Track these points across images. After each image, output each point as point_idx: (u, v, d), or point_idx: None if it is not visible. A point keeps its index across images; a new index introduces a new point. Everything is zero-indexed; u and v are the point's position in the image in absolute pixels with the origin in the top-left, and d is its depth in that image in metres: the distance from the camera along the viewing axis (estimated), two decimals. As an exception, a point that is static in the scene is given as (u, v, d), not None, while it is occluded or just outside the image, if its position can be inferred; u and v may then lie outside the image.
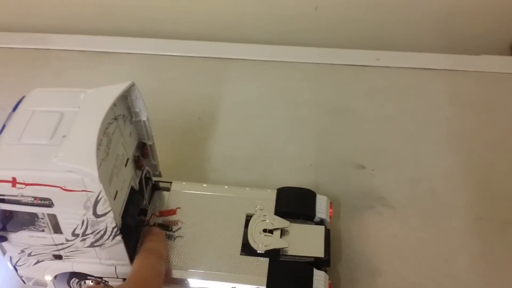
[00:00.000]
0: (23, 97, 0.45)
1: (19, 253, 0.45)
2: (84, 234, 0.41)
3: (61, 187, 0.38)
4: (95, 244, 0.42)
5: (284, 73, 0.73)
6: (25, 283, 0.49)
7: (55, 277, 0.47)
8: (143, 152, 0.49)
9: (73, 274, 0.47)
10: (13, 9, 0.79)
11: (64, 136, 0.40)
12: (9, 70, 0.73)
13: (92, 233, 0.41)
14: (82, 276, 0.47)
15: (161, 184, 0.53)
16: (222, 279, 0.46)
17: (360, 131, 0.65)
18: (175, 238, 0.49)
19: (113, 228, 0.41)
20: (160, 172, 0.52)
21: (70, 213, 0.40)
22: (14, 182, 0.38)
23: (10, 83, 0.71)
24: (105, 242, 0.42)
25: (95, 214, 0.40)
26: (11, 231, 0.42)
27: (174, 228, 0.49)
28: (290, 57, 0.74)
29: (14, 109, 0.44)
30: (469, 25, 0.77)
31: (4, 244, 0.44)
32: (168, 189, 0.53)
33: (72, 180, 0.38)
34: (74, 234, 0.42)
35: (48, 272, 0.46)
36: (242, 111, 0.68)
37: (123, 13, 0.78)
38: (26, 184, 0.38)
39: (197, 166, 0.61)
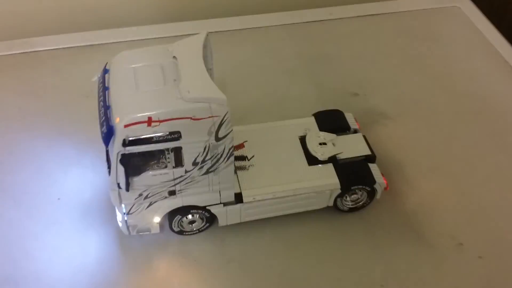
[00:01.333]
0: (106, 64, 0.50)
1: (135, 199, 0.50)
2: (203, 161, 0.48)
3: (191, 117, 0.45)
4: (210, 170, 0.49)
5: (263, 37, 0.83)
6: (129, 233, 0.54)
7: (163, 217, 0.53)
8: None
9: (176, 211, 0.53)
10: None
11: (175, 80, 0.47)
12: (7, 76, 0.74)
13: (210, 158, 0.48)
14: (185, 211, 0.53)
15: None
16: (302, 185, 0.55)
17: (342, 68, 0.78)
18: (249, 167, 0.57)
19: (230, 149, 0.48)
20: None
21: (195, 143, 0.47)
22: (149, 121, 0.44)
23: (12, 86, 0.72)
24: (219, 165, 0.49)
25: (216, 138, 0.47)
26: (136, 175, 0.48)
27: (248, 158, 0.57)
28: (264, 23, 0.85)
29: (104, 73, 0.49)
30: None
31: (122, 193, 0.49)
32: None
33: (201, 108, 0.45)
34: (194, 163, 0.48)
35: (160, 211, 0.52)
36: (241, 73, 0.77)
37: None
38: (161, 121, 0.44)
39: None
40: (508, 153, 0.67)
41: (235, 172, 0.55)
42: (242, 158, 0.57)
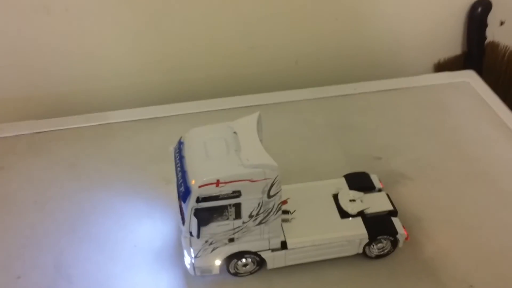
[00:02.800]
0: (180, 137, 0.64)
1: (202, 244, 0.62)
2: (257, 214, 0.61)
3: (249, 180, 0.58)
4: (262, 221, 0.62)
5: (297, 110, 0.97)
6: (195, 274, 0.65)
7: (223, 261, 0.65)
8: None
9: (234, 256, 0.65)
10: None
11: (236, 150, 0.60)
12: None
13: (262, 212, 0.61)
14: (240, 256, 0.65)
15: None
16: (336, 235, 0.67)
17: (367, 135, 0.91)
18: (291, 220, 0.69)
19: (278, 204, 0.61)
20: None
21: (251, 200, 0.59)
22: (218, 183, 0.57)
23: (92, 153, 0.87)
24: (270, 217, 0.62)
25: (268, 195, 0.59)
26: (204, 225, 0.60)
27: (291, 211, 0.69)
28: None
29: (180, 145, 0.63)
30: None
31: (192, 240, 0.62)
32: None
33: (257, 173, 0.58)
34: (250, 216, 0.61)
35: (220, 255, 0.64)
36: (279, 139, 0.90)
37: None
38: (226, 183, 0.57)
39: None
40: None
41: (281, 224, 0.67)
42: (286, 212, 0.69)
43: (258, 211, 0.61)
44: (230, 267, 0.66)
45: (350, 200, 0.71)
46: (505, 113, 0.95)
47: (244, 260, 0.66)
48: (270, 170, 0.58)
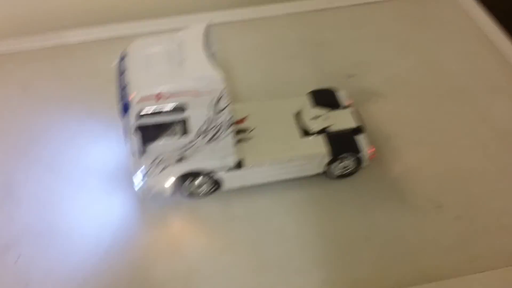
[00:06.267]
0: (122, 51, 0.59)
1: (150, 164, 0.59)
2: (205, 131, 0.57)
3: (193, 93, 0.53)
4: (212, 139, 0.58)
5: (267, 26, 0.91)
6: (146, 196, 0.62)
7: (174, 181, 0.62)
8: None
9: (186, 176, 0.61)
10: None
11: (180, 62, 0.55)
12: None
13: (212, 128, 0.57)
14: (193, 176, 0.62)
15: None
16: (296, 154, 0.63)
17: (341, 52, 0.85)
18: (249, 139, 0.65)
19: (228, 120, 0.57)
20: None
21: (198, 115, 0.55)
22: (159, 96, 0.53)
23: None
24: (220, 134, 0.58)
25: (216, 111, 0.55)
26: (149, 143, 0.57)
27: (248, 130, 0.65)
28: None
29: (122, 59, 0.58)
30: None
31: (138, 159, 0.58)
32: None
33: (202, 85, 0.53)
34: (198, 133, 0.57)
35: (171, 176, 0.60)
36: (245, 56, 0.85)
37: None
38: (168, 96, 0.53)
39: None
40: (489, 125, 0.73)
41: (237, 143, 0.64)
42: (244, 130, 0.65)
43: (207, 128, 0.57)
44: (184, 188, 0.63)
45: (313, 118, 0.66)
46: (490, 27, 0.89)
47: (198, 180, 0.63)
48: (216, 82, 0.53)
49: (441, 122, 0.74)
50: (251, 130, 0.65)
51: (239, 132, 0.65)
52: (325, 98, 0.70)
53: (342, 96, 0.71)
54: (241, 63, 0.84)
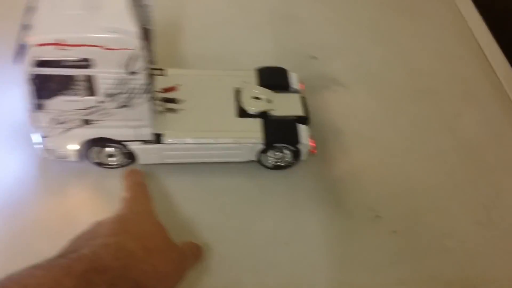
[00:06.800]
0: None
1: (49, 122, 0.50)
2: (116, 94, 0.48)
3: (102, 46, 0.45)
4: (124, 105, 0.49)
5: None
6: (46, 157, 0.54)
7: (79, 146, 0.53)
8: (144, 38, 0.56)
9: (94, 142, 0.53)
10: None
11: (94, 7, 0.46)
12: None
13: (123, 92, 0.48)
14: (103, 143, 0.53)
15: (154, 72, 0.60)
16: (226, 135, 0.55)
17: (308, 30, 0.77)
18: (178, 111, 0.57)
19: (144, 85, 0.48)
20: (156, 60, 0.60)
21: (107, 73, 0.47)
22: (60, 44, 0.44)
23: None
24: (134, 101, 0.49)
25: (130, 72, 0.47)
26: (47, 98, 0.48)
27: (178, 101, 0.57)
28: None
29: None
30: None
31: (35, 114, 0.50)
32: (162, 75, 0.60)
33: (113, 39, 0.45)
34: (107, 95, 0.48)
35: (75, 139, 0.52)
36: (203, 20, 0.76)
37: None
38: (72, 45, 0.44)
39: (175, 63, 0.69)
40: (451, 137, 0.65)
41: (162, 113, 0.55)
42: (173, 100, 0.57)
43: (119, 91, 0.48)
44: (91, 156, 0.55)
45: (254, 98, 0.58)
46: (478, 25, 0.80)
47: (108, 149, 0.54)
48: (130, 37, 0.45)
49: (402, 124, 0.66)
50: (182, 101, 0.57)
51: (167, 101, 0.57)
52: (274, 78, 0.62)
53: (294, 78, 0.62)
54: (195, 26, 0.75)
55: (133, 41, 0.45)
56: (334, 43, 0.75)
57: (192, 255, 0.50)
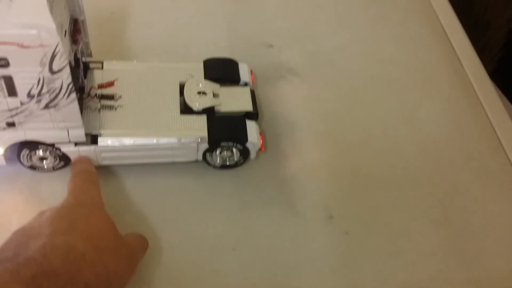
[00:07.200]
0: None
1: (-32, 125, 0.46)
2: (39, 94, 0.44)
3: (17, 44, 0.41)
4: (50, 105, 0.45)
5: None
6: (-28, 162, 0.50)
7: (6, 150, 0.49)
8: (75, 29, 0.52)
9: (24, 145, 0.49)
10: None
11: (10, 0, 0.42)
12: None
13: (47, 92, 0.44)
14: (33, 146, 0.49)
15: (92, 65, 0.56)
16: (168, 135, 0.52)
17: (264, 15, 0.73)
18: (116, 108, 0.53)
19: (68, 84, 0.44)
20: (91, 52, 0.55)
21: (26, 72, 0.43)
22: (-34, 42, 0.40)
23: None
24: (60, 101, 0.45)
25: (51, 70, 0.43)
26: (-38, 99, 0.44)
27: (116, 97, 0.53)
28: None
29: None
30: None
31: (-48, 117, 0.46)
32: (100, 68, 0.56)
33: (29, 35, 0.40)
34: (29, 95, 0.44)
35: (0, 143, 0.48)
36: (151, 5, 0.71)
37: None
38: (-19, 43, 0.40)
39: (119, 54, 0.65)
40: (410, 129, 0.62)
41: (98, 111, 0.52)
42: (109, 97, 0.53)
43: (41, 90, 0.44)
44: (21, 159, 0.51)
45: (199, 93, 0.55)
46: (444, 11, 0.77)
47: (40, 152, 0.50)
48: (47, 33, 0.41)
49: (358, 116, 0.63)
50: (118, 98, 0.53)
51: (103, 98, 0.53)
52: (222, 70, 0.58)
53: (245, 70, 0.59)
54: (141, 12, 0.70)
55: (52, 37, 0.41)
56: (291, 28, 0.71)
57: (140, 247, 0.48)
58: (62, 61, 0.42)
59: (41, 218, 0.42)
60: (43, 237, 0.39)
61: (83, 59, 0.54)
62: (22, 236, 0.40)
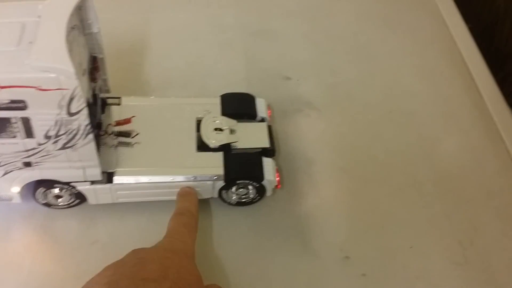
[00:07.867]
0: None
1: (-13, 165, 0.47)
2: (56, 135, 0.44)
3: (36, 87, 0.41)
4: (67, 146, 0.45)
5: (204, 2, 0.77)
6: (-11, 199, 0.51)
7: (22, 188, 0.49)
8: (94, 66, 0.52)
9: (40, 183, 0.49)
10: None
11: (30, 43, 0.42)
12: None
13: (64, 133, 0.44)
14: (49, 184, 0.50)
15: (110, 101, 0.56)
16: (184, 173, 0.51)
17: (282, 47, 0.72)
18: (133, 145, 0.53)
19: (86, 126, 0.44)
20: (109, 88, 0.56)
21: (44, 115, 0.43)
22: (-13, 86, 0.40)
23: None
24: (77, 142, 0.45)
25: (69, 112, 0.43)
26: (-19, 141, 0.44)
27: (132, 134, 0.53)
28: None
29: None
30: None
31: (-28, 156, 0.46)
32: (118, 104, 0.56)
33: (47, 79, 0.40)
34: (46, 137, 0.44)
35: (16, 182, 0.48)
36: (170, 37, 0.72)
37: None
38: (1, 87, 0.40)
39: (138, 88, 0.65)
40: (429, 165, 0.61)
41: (114, 148, 0.52)
42: (126, 134, 0.53)
43: (58, 132, 0.44)
44: (37, 197, 0.51)
45: (216, 129, 0.54)
46: (465, 43, 0.76)
47: (55, 190, 0.51)
48: (66, 77, 0.41)
49: (376, 151, 0.62)
50: (135, 135, 0.53)
51: (119, 135, 0.53)
52: (239, 105, 0.58)
53: (262, 105, 0.58)
54: (163, 43, 0.71)
55: (70, 80, 0.41)
56: (309, 60, 0.71)
57: None
58: (80, 104, 0.42)
59: (135, 257, 0.43)
60: (136, 281, 0.39)
61: (101, 95, 0.55)
62: (113, 275, 0.41)
